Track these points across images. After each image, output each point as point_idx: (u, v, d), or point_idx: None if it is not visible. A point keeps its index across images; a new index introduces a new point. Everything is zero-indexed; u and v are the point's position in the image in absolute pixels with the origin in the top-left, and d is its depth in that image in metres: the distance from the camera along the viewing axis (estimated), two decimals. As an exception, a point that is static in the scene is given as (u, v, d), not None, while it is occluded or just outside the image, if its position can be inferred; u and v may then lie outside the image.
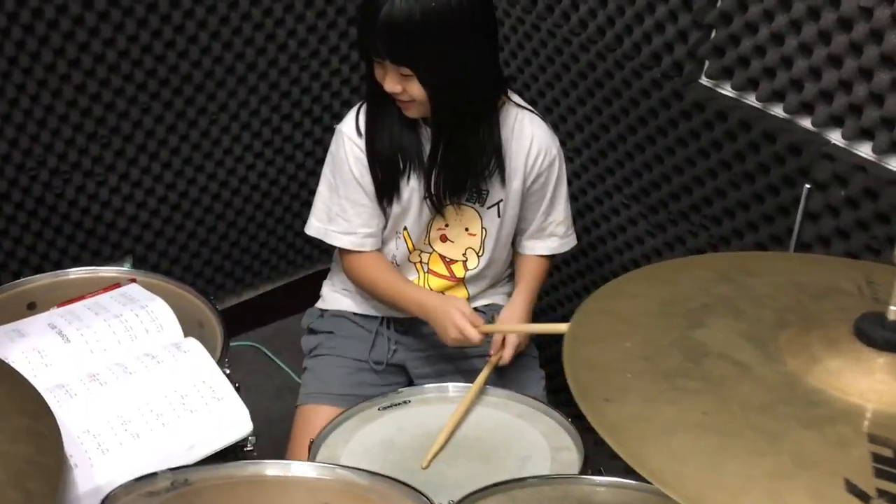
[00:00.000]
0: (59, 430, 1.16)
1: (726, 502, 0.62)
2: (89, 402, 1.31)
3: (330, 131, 2.44)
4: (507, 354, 1.56)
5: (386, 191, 1.57)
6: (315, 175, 2.48)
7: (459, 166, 1.54)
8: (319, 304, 1.80)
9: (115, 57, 2.03)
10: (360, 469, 1.06)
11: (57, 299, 1.56)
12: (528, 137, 1.58)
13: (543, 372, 1.70)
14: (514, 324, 1.60)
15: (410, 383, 1.73)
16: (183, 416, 1.33)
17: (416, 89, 1.45)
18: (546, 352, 1.76)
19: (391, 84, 1.46)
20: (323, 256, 2.62)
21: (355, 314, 1.74)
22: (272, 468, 1.09)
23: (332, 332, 1.73)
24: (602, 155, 1.95)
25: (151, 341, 1.46)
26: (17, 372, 1.24)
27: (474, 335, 1.47)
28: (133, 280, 1.62)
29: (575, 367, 0.76)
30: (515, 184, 1.59)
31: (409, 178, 1.57)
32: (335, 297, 1.77)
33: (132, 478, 1.22)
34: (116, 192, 2.19)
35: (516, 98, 1.61)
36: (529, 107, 1.63)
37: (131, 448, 1.28)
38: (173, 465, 1.28)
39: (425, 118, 1.54)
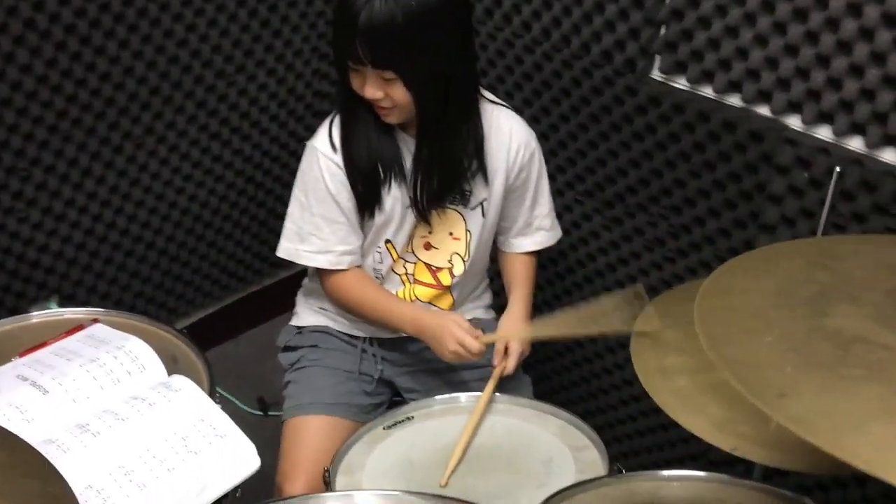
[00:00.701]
0: (70, 489, 1.08)
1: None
2: (85, 456, 1.22)
3: (258, 148, 2.38)
4: (511, 365, 1.53)
5: (368, 203, 1.53)
6: (245, 194, 2.41)
7: (444, 169, 1.52)
8: (295, 322, 1.74)
9: (33, 84, 1.89)
10: (425, 493, 1.03)
11: (12, 349, 1.44)
12: (506, 133, 1.58)
13: (529, 378, 1.70)
14: (516, 331, 1.58)
15: (396, 395, 1.70)
16: (188, 460, 1.26)
17: (399, 93, 1.42)
18: (533, 355, 1.76)
19: (372, 90, 1.42)
20: (255, 278, 2.54)
21: (337, 331, 1.69)
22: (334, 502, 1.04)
23: (315, 346, 1.68)
24: (552, 154, 1.97)
25: (135, 383, 1.37)
26: (11, 433, 1.14)
27: (475, 345, 1.46)
28: (96, 320, 1.52)
29: (732, 367, 0.76)
30: (498, 181, 1.59)
31: (390, 186, 1.53)
32: (313, 315, 1.71)
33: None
34: (39, 227, 2.04)
35: (488, 94, 1.60)
36: (503, 102, 1.63)
37: (139, 500, 1.20)
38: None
39: (401, 124, 1.52)
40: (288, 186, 2.43)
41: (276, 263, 2.52)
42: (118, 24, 1.97)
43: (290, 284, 2.53)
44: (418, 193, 1.53)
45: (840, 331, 0.78)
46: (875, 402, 0.71)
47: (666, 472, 1.12)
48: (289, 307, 2.51)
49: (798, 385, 0.73)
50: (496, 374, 1.52)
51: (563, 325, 1.50)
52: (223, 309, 2.51)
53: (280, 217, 2.43)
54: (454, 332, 1.46)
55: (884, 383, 0.72)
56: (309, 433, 1.56)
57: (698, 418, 1.14)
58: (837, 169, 1.44)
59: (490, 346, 1.57)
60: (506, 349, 1.56)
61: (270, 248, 2.44)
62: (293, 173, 2.42)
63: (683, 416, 1.14)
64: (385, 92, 1.42)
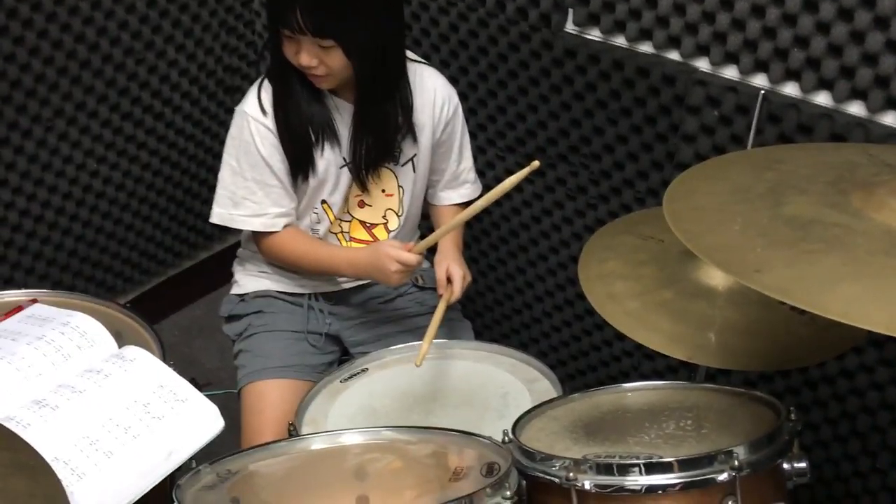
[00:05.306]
0: (41, 456, 1.08)
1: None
2: (47, 430, 1.21)
3: (172, 126, 2.34)
4: (457, 289, 1.55)
5: (301, 166, 1.55)
6: (162, 175, 2.36)
7: (381, 131, 1.55)
8: (236, 291, 1.74)
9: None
10: (404, 426, 1.07)
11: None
12: (430, 90, 1.62)
13: (469, 323, 1.76)
14: (437, 233, 1.55)
15: (345, 352, 1.72)
16: (152, 426, 1.26)
17: (336, 61, 1.44)
18: (472, 306, 1.78)
19: (308, 58, 1.44)
20: (176, 260, 2.51)
21: (280, 292, 1.71)
22: (319, 442, 1.07)
23: (260, 311, 1.69)
24: (473, 112, 2.02)
25: (87, 357, 1.35)
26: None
27: (413, 257, 1.47)
28: (34, 300, 1.49)
29: (711, 253, 0.84)
30: (425, 136, 1.63)
31: (323, 149, 1.56)
32: (253, 280, 1.72)
33: (124, 496, 1.17)
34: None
35: (409, 53, 1.64)
36: (422, 59, 1.67)
37: (108, 468, 1.20)
38: (154, 477, 1.23)
39: (331, 88, 1.54)
40: (203, 164, 2.44)
41: (210, 236, 2.51)
42: (21, 1, 1.91)
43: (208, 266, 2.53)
44: (358, 157, 1.56)
45: (796, 216, 0.87)
46: (838, 267, 0.81)
47: (628, 385, 1.20)
48: (216, 286, 2.48)
49: (769, 261, 0.83)
50: (444, 301, 1.53)
51: (470, 210, 1.48)
52: (143, 294, 2.48)
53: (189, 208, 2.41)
54: (389, 253, 1.48)
55: (842, 253, 0.83)
56: (268, 397, 1.58)
57: (653, 335, 1.23)
58: (761, 95, 1.54)
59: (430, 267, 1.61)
60: (448, 278, 1.56)
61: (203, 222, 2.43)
62: (207, 150, 2.43)
63: (640, 334, 1.23)
64: (320, 59, 1.44)
